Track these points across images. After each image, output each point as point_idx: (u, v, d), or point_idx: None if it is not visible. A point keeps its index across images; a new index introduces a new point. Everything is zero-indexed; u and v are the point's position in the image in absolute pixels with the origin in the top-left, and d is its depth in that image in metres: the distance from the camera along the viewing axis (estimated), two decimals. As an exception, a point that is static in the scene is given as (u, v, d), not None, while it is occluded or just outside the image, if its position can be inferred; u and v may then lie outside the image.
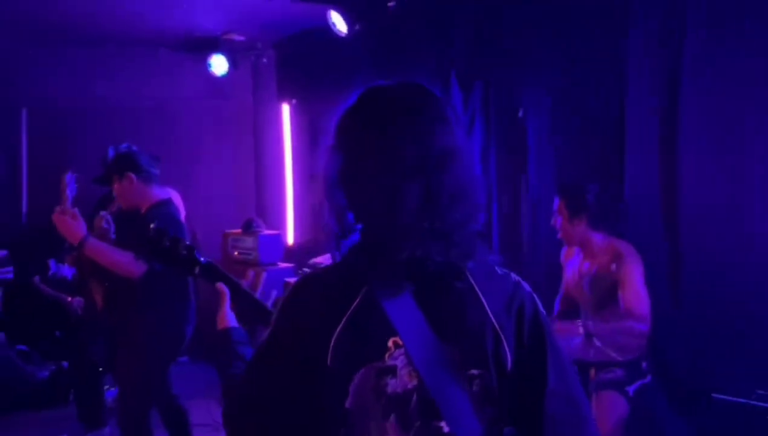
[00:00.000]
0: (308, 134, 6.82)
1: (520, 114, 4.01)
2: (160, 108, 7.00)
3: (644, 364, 3.04)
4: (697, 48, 3.22)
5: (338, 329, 1.13)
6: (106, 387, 4.46)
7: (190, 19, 6.03)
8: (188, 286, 3.39)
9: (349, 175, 1.20)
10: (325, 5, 5.18)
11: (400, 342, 1.14)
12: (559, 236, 3.20)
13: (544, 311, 1.24)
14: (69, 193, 2.95)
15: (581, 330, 2.61)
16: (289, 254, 6.63)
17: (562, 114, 3.98)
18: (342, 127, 1.24)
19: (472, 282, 1.18)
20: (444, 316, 1.16)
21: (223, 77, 6.75)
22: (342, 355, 1.13)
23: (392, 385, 1.14)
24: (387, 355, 1.14)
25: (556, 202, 3.15)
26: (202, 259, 1.60)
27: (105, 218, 3.10)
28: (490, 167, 4.55)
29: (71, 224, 2.82)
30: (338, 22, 5.20)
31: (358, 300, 1.15)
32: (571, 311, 3.37)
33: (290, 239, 7.04)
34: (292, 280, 5.63)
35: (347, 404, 1.13)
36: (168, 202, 3.33)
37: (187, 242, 1.61)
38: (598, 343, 2.52)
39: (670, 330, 3.16)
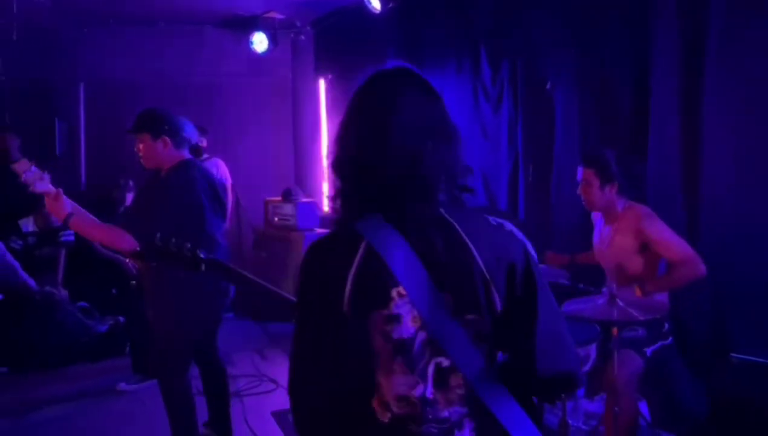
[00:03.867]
0: (343, 108, 6.78)
1: (548, 86, 3.91)
2: (206, 83, 7.03)
3: (666, 325, 2.99)
4: (723, 18, 3.09)
5: (348, 282, 1.18)
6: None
7: (234, -2, 6.01)
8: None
9: (347, 144, 1.27)
10: (361, -16, 5.11)
11: (403, 292, 1.18)
12: (585, 204, 3.15)
13: (536, 256, 1.27)
14: (28, 176, 2.89)
15: (605, 292, 2.58)
16: (325, 220, 6.66)
17: (589, 86, 3.88)
18: (349, 106, 1.32)
19: (461, 232, 1.21)
20: (435, 263, 1.19)
21: (264, 54, 6.74)
22: (354, 304, 1.18)
23: (397, 331, 1.18)
24: (392, 304, 1.18)
25: (581, 172, 3.08)
26: (203, 256, 1.72)
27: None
28: (517, 140, 4.48)
29: (53, 205, 2.82)
30: (373, 0, 5.12)
31: (359, 255, 1.19)
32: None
33: (326, 206, 7.06)
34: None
35: (362, 349, 1.20)
36: (188, 164, 3.08)
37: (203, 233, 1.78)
38: (621, 303, 2.49)
39: (688, 291, 3.10)
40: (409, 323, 1.18)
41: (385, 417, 1.19)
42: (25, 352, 4.87)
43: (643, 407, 3.18)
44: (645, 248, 2.94)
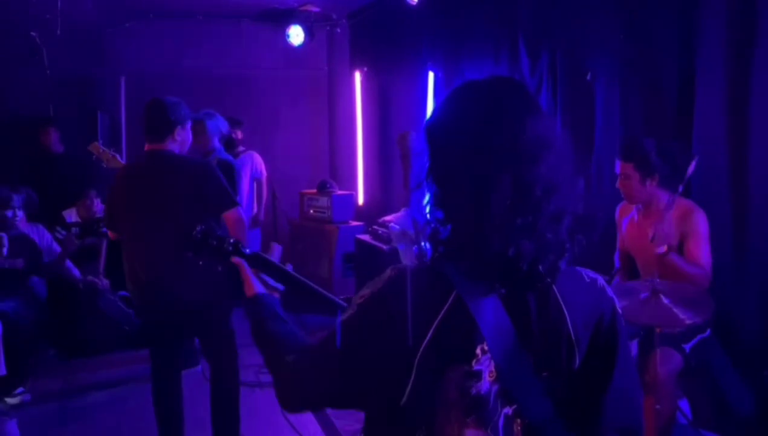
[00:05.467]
0: (378, 101, 6.76)
1: (588, 77, 3.81)
2: (243, 76, 7.09)
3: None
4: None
5: (429, 333, 1.10)
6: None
7: (270, -9, 6.03)
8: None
9: (439, 172, 1.15)
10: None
11: (486, 348, 1.11)
12: (625, 197, 3.06)
13: (621, 313, 1.21)
14: None
15: (648, 287, 2.50)
16: (360, 212, 6.65)
17: (630, 77, 3.76)
18: (433, 124, 1.18)
19: (557, 291, 1.14)
20: (527, 323, 1.13)
21: (300, 47, 6.75)
22: (431, 358, 1.10)
23: (476, 387, 1.13)
24: (474, 361, 1.12)
25: (619, 166, 3.00)
26: (247, 251, 1.60)
27: None
28: (555, 132, 4.38)
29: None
30: (409, -8, 5.08)
31: (447, 306, 1.11)
32: (628, 267, 3.25)
33: (361, 199, 7.06)
34: (363, 236, 5.66)
35: (434, 401, 1.13)
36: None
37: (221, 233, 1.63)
38: (665, 300, 2.40)
39: (733, 290, 3.00)
40: (487, 379, 1.13)
41: None
42: (70, 338, 5.00)
43: (685, 405, 3.09)
44: (681, 247, 2.85)
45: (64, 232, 5.42)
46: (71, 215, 5.54)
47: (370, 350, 1.14)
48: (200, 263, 1.63)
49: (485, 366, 1.12)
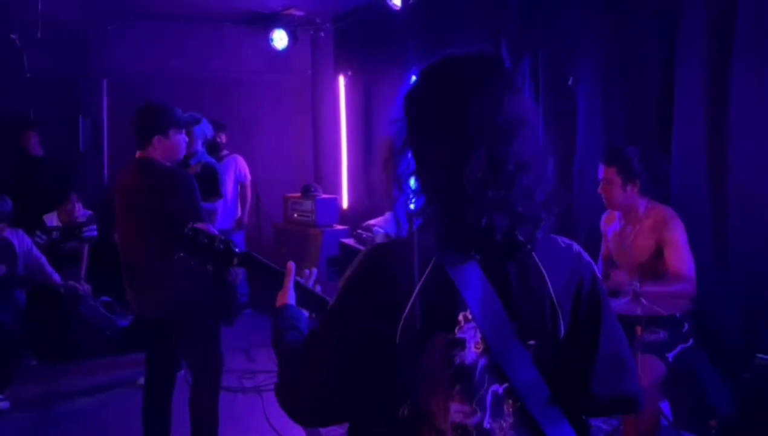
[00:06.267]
0: (362, 104, 6.77)
1: (570, 82, 3.85)
2: (227, 80, 7.06)
3: (686, 326, 2.94)
4: (753, 11, 3.02)
5: (409, 303, 1.10)
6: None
7: (254, -5, 6.02)
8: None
9: (416, 144, 1.16)
10: (381, -21, 5.08)
11: (470, 316, 1.11)
12: (606, 203, 3.10)
13: (601, 278, 1.21)
14: None
15: (629, 291, 2.55)
16: (344, 216, 6.65)
17: (612, 82, 3.81)
18: (411, 95, 1.19)
19: (536, 258, 1.15)
20: (509, 290, 1.13)
21: (284, 51, 6.74)
22: (413, 327, 1.10)
23: (460, 357, 1.12)
24: (457, 328, 1.12)
25: (602, 170, 3.03)
26: (237, 250, 1.58)
27: None
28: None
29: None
30: (393, -4, 5.09)
31: (427, 273, 1.11)
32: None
33: (345, 202, 7.06)
34: (347, 240, 5.66)
35: (417, 373, 1.12)
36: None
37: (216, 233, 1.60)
38: (645, 302, 2.46)
39: (714, 292, 3.04)
40: (473, 349, 1.12)
41: None
42: (51, 344, 4.94)
43: (666, 406, 3.13)
44: (660, 252, 2.89)
45: (44, 236, 5.36)
46: (52, 220, 5.48)
47: (355, 329, 1.13)
48: (191, 263, 1.60)
49: (469, 335, 1.12)
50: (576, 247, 1.23)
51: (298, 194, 6.43)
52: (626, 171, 2.95)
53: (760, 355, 2.55)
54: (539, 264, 1.15)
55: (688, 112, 3.36)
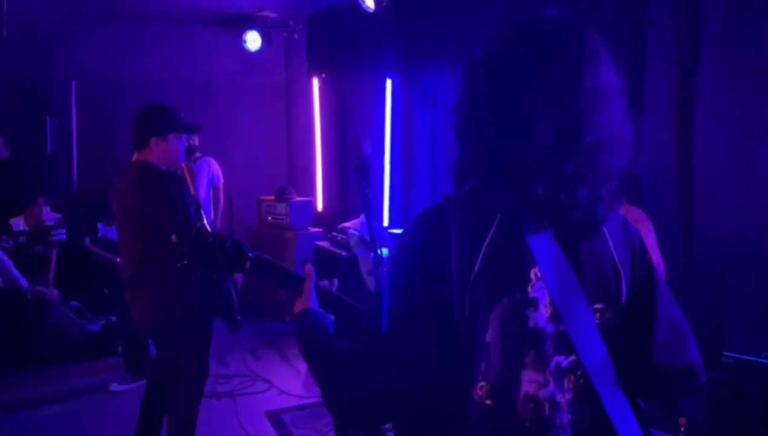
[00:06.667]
0: (337, 106, 6.77)
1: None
2: (199, 82, 6.99)
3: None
4: (719, 13, 3.10)
5: (478, 261, 1.02)
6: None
7: (226, -4, 5.98)
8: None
9: (481, 103, 1.08)
10: (355, -18, 5.08)
11: (539, 274, 1.05)
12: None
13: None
14: None
15: None
16: (319, 219, 6.63)
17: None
18: (483, 58, 1.11)
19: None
20: (576, 251, 1.07)
21: (257, 53, 6.70)
22: (483, 286, 1.02)
23: (533, 319, 1.05)
24: (530, 286, 1.05)
25: None
26: (251, 254, 1.43)
27: None
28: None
29: None
30: (367, -1, 5.10)
31: (493, 229, 1.04)
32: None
33: (320, 205, 7.04)
34: (322, 243, 5.64)
35: (488, 338, 1.03)
36: None
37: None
38: None
39: (682, 292, 3.10)
40: (543, 311, 1.05)
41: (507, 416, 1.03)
42: (18, 351, 4.83)
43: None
44: None
45: (11, 241, 5.25)
46: (19, 224, 5.37)
47: (425, 300, 1.04)
48: (197, 272, 1.46)
49: (540, 295, 1.05)
50: (621, 212, 1.20)
51: (272, 197, 6.39)
52: None
53: (727, 353, 2.60)
54: (604, 230, 1.12)
55: (657, 116, 3.43)
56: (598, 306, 1.08)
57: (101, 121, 6.27)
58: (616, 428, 1.04)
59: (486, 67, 1.10)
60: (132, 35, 6.61)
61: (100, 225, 5.48)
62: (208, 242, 1.43)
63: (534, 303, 1.04)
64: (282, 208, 6.24)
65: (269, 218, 6.39)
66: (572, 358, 1.06)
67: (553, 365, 1.05)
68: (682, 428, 2.57)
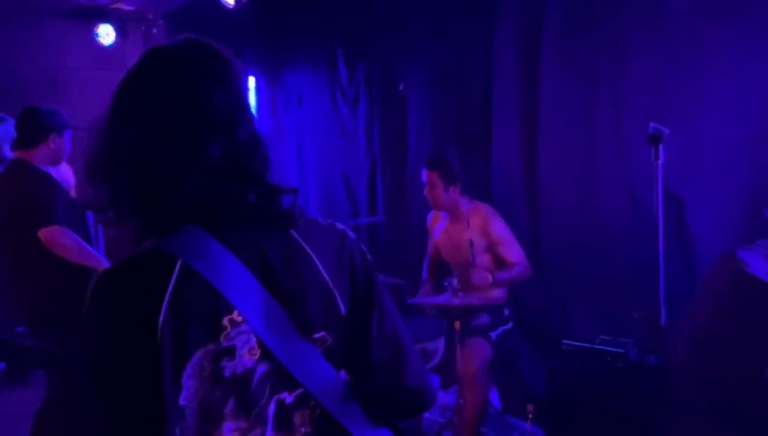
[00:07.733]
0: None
1: (401, 87, 3.99)
2: (50, 77, 6.50)
3: (507, 311, 3.23)
4: (557, 21, 3.34)
5: (161, 319, 0.94)
6: None
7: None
8: None
9: (124, 147, 1.01)
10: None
11: (239, 319, 0.97)
12: (432, 204, 3.27)
13: (371, 257, 1.14)
14: None
15: (447, 287, 2.94)
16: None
17: (438, 91, 4.02)
18: (120, 94, 1.07)
19: (298, 238, 1.05)
20: (275, 278, 1.00)
21: (111, 47, 6.33)
22: (170, 345, 0.95)
23: (230, 367, 0.98)
24: (223, 335, 0.97)
25: (426, 175, 3.20)
26: None
27: None
28: (374, 141, 4.54)
29: None
30: (226, -5, 4.97)
31: (174, 280, 0.96)
32: (439, 272, 3.48)
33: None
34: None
35: (181, 401, 0.97)
36: None
37: None
38: (461, 295, 2.88)
39: (529, 284, 3.32)
40: (245, 357, 0.98)
41: None
42: None
43: (495, 395, 3.36)
44: (491, 246, 3.13)
45: None
46: None
47: (114, 375, 0.97)
48: None
49: (240, 342, 0.98)
50: (339, 225, 1.13)
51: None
52: (447, 175, 3.14)
53: (566, 341, 2.80)
54: (303, 245, 1.04)
55: (505, 118, 3.64)
56: (318, 336, 1.03)
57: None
58: None
59: (123, 101, 1.07)
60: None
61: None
62: None
63: (230, 352, 0.98)
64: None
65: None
66: (299, 391, 1.01)
67: (270, 406, 1.00)
68: (531, 415, 2.74)
